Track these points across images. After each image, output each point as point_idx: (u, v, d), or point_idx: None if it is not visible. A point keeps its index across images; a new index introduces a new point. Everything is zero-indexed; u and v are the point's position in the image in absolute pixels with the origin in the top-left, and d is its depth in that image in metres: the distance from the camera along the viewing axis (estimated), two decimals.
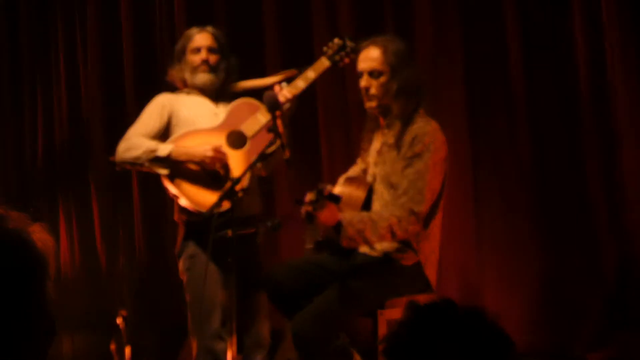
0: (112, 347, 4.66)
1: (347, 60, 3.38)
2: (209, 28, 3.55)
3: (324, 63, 3.35)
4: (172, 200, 5.19)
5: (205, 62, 3.48)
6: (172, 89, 3.64)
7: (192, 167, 3.33)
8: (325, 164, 4.50)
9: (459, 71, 4.13)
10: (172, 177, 3.35)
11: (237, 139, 3.36)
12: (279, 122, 2.99)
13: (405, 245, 3.05)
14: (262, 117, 3.32)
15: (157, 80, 5.29)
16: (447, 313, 1.33)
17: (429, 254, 3.10)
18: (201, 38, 3.51)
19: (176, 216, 3.53)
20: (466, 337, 1.30)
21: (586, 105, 3.79)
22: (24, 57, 6.06)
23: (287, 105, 3.27)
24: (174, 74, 3.58)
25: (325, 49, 3.42)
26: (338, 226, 2.86)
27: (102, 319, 5.20)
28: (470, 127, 4.12)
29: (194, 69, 3.49)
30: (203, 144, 3.34)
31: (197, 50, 3.49)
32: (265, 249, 3.72)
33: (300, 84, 3.33)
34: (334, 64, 3.37)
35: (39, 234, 1.37)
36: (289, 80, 3.39)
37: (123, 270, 4.58)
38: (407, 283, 3.05)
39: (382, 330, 3.02)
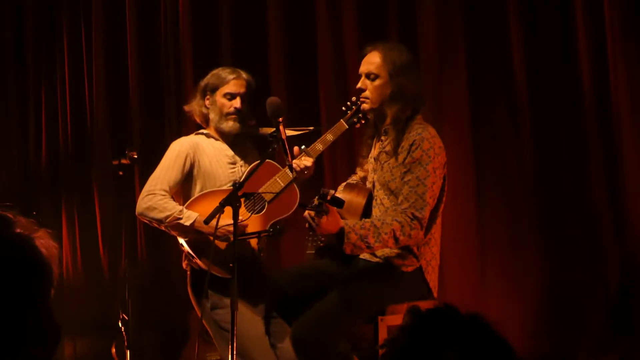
0: (114, 350, 4.66)
1: (363, 122, 3.34)
2: (244, 75, 3.51)
3: (342, 126, 3.30)
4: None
5: (238, 111, 3.45)
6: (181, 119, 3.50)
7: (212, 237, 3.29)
8: (327, 173, 4.50)
9: (463, 77, 4.14)
10: (190, 240, 3.32)
11: (255, 203, 3.34)
12: (281, 128, 2.98)
13: (406, 250, 3.05)
14: (281, 181, 3.31)
15: (162, 83, 5.33)
16: (448, 318, 1.33)
17: (430, 259, 3.10)
18: (237, 85, 3.46)
19: (184, 264, 3.49)
20: (467, 342, 1.30)
21: (590, 113, 3.79)
22: (29, 58, 6.07)
23: (305, 170, 3.27)
24: (195, 107, 3.54)
25: (344, 108, 3.36)
26: (341, 233, 2.86)
27: (104, 322, 5.21)
28: (473, 134, 4.12)
29: (224, 115, 3.46)
30: None
31: (232, 96, 3.45)
32: (267, 255, 3.71)
33: (319, 147, 3.32)
34: (351, 126, 3.33)
35: (44, 240, 1.37)
36: (307, 138, 3.37)
37: (125, 273, 4.58)
38: (408, 289, 3.05)
39: (383, 336, 3.01)
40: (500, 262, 4.07)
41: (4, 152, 6.11)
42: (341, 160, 4.50)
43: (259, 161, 3.17)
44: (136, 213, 3.43)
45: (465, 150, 4.10)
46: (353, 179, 3.39)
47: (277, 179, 3.31)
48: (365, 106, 3.15)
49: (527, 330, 3.92)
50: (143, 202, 3.39)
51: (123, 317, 4.54)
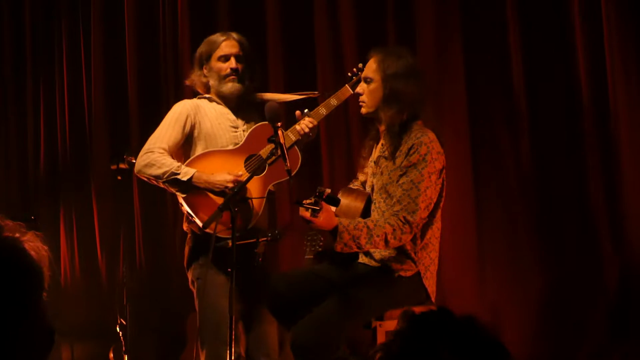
0: (111, 355, 4.65)
1: None
2: (235, 35, 3.51)
3: (347, 91, 3.33)
4: (174, 209, 5.22)
5: (234, 71, 3.45)
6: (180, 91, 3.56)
7: (210, 193, 3.32)
8: (326, 175, 4.50)
9: (461, 84, 4.13)
10: (188, 198, 3.33)
11: (255, 164, 3.34)
12: (280, 133, 2.98)
13: (404, 255, 3.04)
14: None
15: (160, 87, 5.33)
16: (441, 322, 1.32)
17: (428, 265, 3.09)
18: (229, 46, 3.47)
19: (185, 226, 3.50)
20: (461, 345, 1.30)
21: (588, 118, 3.78)
22: (28, 63, 6.07)
23: (310, 132, 3.29)
24: (195, 78, 3.55)
25: (349, 74, 3.40)
26: (335, 231, 2.86)
27: (102, 327, 5.20)
28: (472, 140, 4.11)
29: (222, 77, 3.46)
30: (222, 167, 3.32)
31: (226, 58, 3.46)
32: (266, 259, 3.71)
33: (322, 111, 3.33)
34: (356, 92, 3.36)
35: (33, 243, 1.36)
36: (311, 103, 3.38)
37: (123, 278, 4.57)
38: (407, 294, 3.04)
39: (382, 341, 3.00)
40: (499, 268, 4.06)
41: (2, 157, 6.11)
42: (339, 161, 4.50)
43: (259, 124, 3.25)
44: (135, 171, 3.45)
45: (464, 156, 4.10)
46: (354, 184, 3.39)
47: None
48: (362, 110, 3.17)
49: (527, 336, 3.91)
50: (141, 160, 3.39)
51: (121, 321, 4.53)
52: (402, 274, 3.04)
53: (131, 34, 5.48)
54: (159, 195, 4.93)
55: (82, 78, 5.79)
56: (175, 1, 5.25)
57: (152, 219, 5.33)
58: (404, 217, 2.93)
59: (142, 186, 5.26)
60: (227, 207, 2.93)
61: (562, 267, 3.88)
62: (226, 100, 3.51)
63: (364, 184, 3.32)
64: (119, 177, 4.51)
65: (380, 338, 3.02)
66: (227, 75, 3.46)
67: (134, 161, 4.50)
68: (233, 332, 2.84)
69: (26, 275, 1.30)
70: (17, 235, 1.34)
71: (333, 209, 2.90)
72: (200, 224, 3.27)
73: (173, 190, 3.36)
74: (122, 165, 4.48)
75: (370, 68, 3.14)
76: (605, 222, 3.75)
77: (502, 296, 4.04)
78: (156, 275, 5.29)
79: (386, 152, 3.10)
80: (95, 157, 5.67)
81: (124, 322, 4.49)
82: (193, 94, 3.73)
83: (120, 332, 4.53)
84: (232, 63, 3.45)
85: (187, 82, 3.62)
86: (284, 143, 2.98)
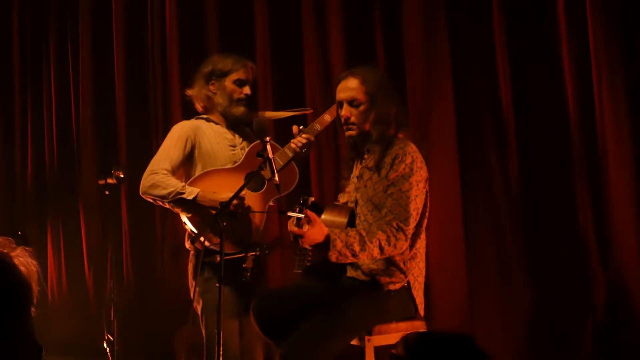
0: None
1: None
2: (250, 63, 3.64)
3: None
4: (161, 224, 5.21)
5: (248, 97, 3.57)
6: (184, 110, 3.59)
7: (214, 210, 3.34)
8: (314, 189, 4.51)
9: (450, 104, 4.14)
10: (193, 218, 3.37)
11: (255, 181, 3.38)
12: (268, 147, 3.01)
13: (394, 266, 3.05)
14: (279, 160, 3.36)
15: (149, 102, 5.33)
16: (439, 348, 1.32)
17: (417, 275, 3.10)
18: (247, 73, 3.60)
19: (187, 244, 3.52)
20: None
21: (576, 138, 3.79)
22: (16, 77, 6.07)
23: (304, 148, 3.38)
24: (198, 92, 3.61)
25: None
26: (327, 241, 2.87)
27: (89, 343, 5.17)
28: (460, 159, 4.12)
29: (235, 100, 3.56)
30: (223, 185, 3.37)
31: (242, 83, 3.57)
32: (253, 274, 3.70)
33: (317, 127, 3.43)
34: None
35: (22, 258, 1.36)
36: (302, 119, 3.46)
37: (110, 293, 4.55)
38: (396, 308, 3.05)
39: (370, 356, 3.01)
40: (488, 285, 4.06)
41: None
42: (328, 173, 4.51)
43: (257, 141, 3.27)
44: (140, 193, 3.49)
45: (452, 174, 4.10)
46: (338, 202, 3.40)
47: (276, 158, 3.34)
48: (352, 133, 3.15)
49: (515, 353, 3.91)
50: (146, 181, 3.44)
51: (108, 337, 4.51)
52: (391, 287, 3.05)
53: (119, 50, 5.49)
54: (147, 210, 4.92)
55: (70, 92, 5.79)
56: (163, 18, 5.27)
57: (139, 234, 5.32)
58: (397, 225, 2.95)
59: (129, 201, 5.25)
60: (214, 222, 2.93)
61: (550, 286, 3.88)
62: (227, 120, 3.59)
63: (346, 204, 3.33)
64: (107, 192, 4.50)
65: (369, 353, 3.01)
66: (240, 100, 3.56)
67: (121, 176, 4.51)
68: (221, 348, 2.83)
69: (15, 290, 1.30)
70: (7, 250, 1.34)
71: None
72: (206, 242, 3.30)
73: (178, 209, 3.41)
74: (109, 180, 4.48)
75: (354, 89, 3.13)
76: (593, 242, 3.75)
77: (490, 314, 4.04)
78: (144, 290, 5.27)
79: (370, 164, 3.12)
80: (83, 171, 5.66)
81: (111, 338, 4.47)
82: (182, 111, 3.75)
83: (108, 348, 4.50)
84: (247, 90, 3.57)
85: (188, 93, 3.66)
86: (273, 157, 3.00)
